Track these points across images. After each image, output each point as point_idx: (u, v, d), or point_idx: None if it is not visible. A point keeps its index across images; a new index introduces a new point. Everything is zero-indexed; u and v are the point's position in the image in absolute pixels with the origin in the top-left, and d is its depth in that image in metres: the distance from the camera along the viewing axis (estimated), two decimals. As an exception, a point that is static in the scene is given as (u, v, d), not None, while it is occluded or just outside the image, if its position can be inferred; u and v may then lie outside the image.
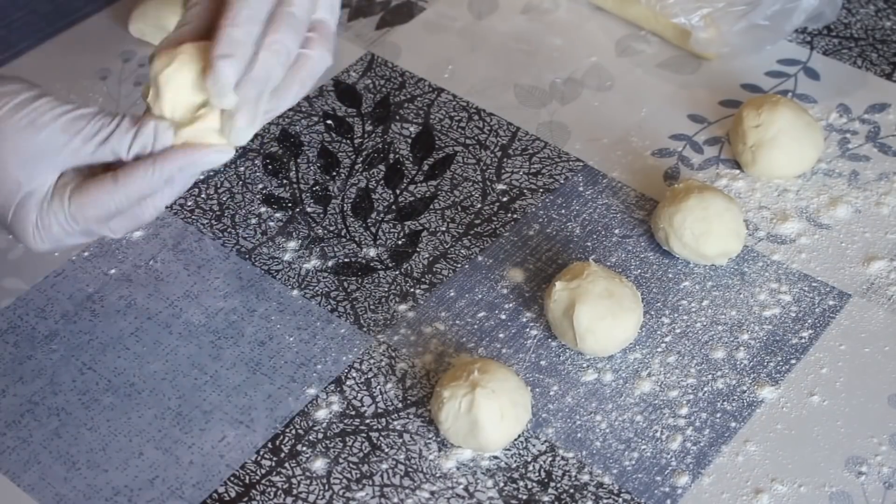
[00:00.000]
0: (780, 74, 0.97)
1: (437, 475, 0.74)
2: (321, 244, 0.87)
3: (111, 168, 0.70)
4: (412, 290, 0.84)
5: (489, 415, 0.72)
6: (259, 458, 0.75)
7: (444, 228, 0.88)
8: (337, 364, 0.80)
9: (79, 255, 0.86)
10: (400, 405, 0.77)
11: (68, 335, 0.82)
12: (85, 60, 1.01)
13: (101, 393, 0.79)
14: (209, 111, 0.69)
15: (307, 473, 0.75)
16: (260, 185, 0.91)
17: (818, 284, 0.82)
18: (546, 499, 0.73)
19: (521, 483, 0.73)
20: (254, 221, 0.89)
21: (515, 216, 0.88)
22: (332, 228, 0.88)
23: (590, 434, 0.75)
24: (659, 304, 0.82)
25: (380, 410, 0.77)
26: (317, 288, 0.84)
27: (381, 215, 0.89)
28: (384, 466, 0.75)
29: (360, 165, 0.92)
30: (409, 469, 0.74)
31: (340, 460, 0.75)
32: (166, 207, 0.89)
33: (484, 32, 1.03)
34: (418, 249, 0.86)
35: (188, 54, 0.69)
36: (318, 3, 0.72)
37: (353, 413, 0.77)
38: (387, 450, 0.75)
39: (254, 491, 0.74)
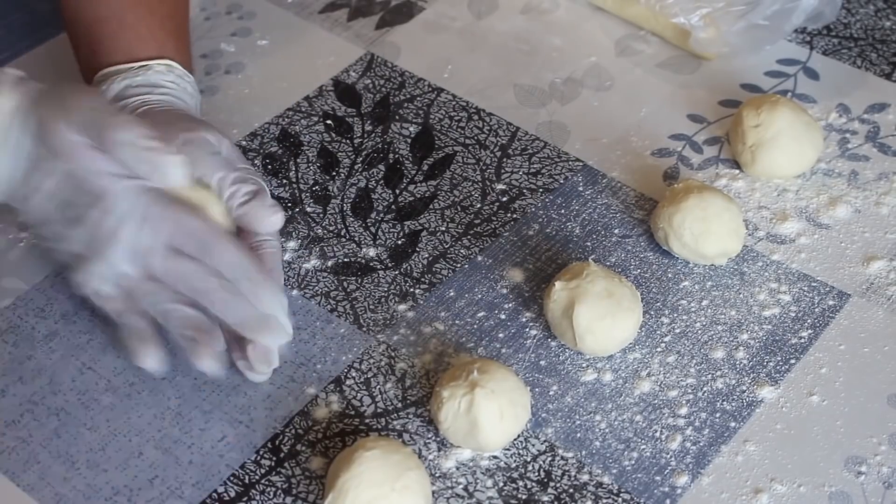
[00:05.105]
0: (779, 74, 0.97)
1: (437, 475, 0.74)
2: (321, 244, 0.87)
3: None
4: (412, 289, 0.84)
5: (488, 415, 0.72)
6: (259, 458, 0.75)
7: (443, 228, 0.87)
8: (336, 364, 0.80)
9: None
10: (399, 405, 0.77)
11: (68, 335, 0.82)
12: (85, 60, 1.01)
13: (101, 393, 0.79)
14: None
15: (307, 473, 0.75)
16: (259, 185, 0.91)
17: (818, 284, 0.82)
18: (545, 498, 0.73)
19: (521, 483, 0.73)
20: (253, 221, 0.88)
21: (515, 216, 0.88)
22: (331, 228, 0.88)
23: (589, 434, 0.75)
24: (658, 303, 0.82)
25: (379, 410, 0.77)
26: (316, 288, 0.84)
27: (381, 215, 0.89)
28: (384, 466, 0.75)
29: (359, 165, 0.92)
30: (409, 469, 0.74)
31: (340, 460, 0.75)
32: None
33: (484, 32, 1.03)
34: (418, 249, 0.86)
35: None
36: None
37: (352, 413, 0.77)
38: (386, 449, 0.75)
39: (253, 490, 0.74)
